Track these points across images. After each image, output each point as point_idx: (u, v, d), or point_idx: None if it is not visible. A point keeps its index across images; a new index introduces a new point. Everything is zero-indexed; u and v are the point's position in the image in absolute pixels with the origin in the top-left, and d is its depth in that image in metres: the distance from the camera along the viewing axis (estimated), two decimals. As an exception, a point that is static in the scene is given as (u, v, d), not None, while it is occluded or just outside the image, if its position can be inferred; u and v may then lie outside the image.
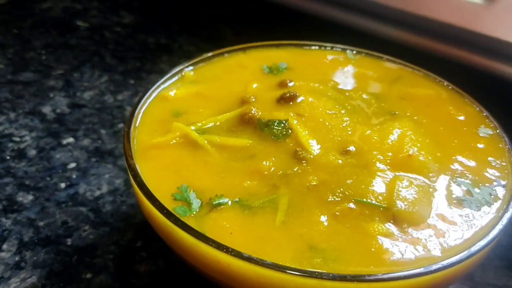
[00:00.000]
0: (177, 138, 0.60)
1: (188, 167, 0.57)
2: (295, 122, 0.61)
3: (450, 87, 0.72)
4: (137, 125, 0.62)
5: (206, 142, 0.59)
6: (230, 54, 0.77)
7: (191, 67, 0.73)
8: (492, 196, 0.55)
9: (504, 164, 0.59)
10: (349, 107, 0.66)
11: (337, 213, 0.52)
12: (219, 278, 0.49)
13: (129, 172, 0.55)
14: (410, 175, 0.56)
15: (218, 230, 0.50)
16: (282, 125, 0.61)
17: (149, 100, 0.66)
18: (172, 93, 0.68)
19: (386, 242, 0.49)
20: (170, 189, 0.54)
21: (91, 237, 0.72)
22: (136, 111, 0.63)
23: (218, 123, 0.63)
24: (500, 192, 0.56)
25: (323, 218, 0.51)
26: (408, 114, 0.66)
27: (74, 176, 0.81)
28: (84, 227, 0.73)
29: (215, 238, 0.47)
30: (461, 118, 0.67)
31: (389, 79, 0.74)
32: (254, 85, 0.70)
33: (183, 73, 0.72)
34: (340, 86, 0.72)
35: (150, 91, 0.67)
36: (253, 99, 0.66)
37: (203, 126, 0.62)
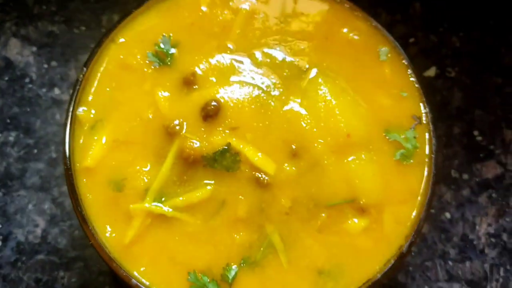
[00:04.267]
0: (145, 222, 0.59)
1: (177, 249, 0.59)
2: (241, 146, 0.61)
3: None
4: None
5: (175, 212, 0.59)
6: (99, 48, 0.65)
7: (84, 108, 0.62)
8: (415, 137, 0.65)
9: (416, 94, 0.66)
10: (264, 85, 0.65)
11: (320, 227, 0.61)
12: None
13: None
14: (354, 156, 0.63)
15: (247, 303, 0.58)
16: (228, 153, 0.61)
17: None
18: (90, 160, 0.61)
19: (366, 235, 0.61)
20: (179, 282, 0.58)
21: (73, 280, 0.74)
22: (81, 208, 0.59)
23: (165, 178, 0.61)
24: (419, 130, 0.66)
25: (313, 238, 0.61)
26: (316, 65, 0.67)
27: (-3, 225, 0.75)
28: (60, 274, 0.74)
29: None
30: (356, 37, 0.69)
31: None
32: (160, 94, 0.64)
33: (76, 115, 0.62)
34: (239, 57, 0.66)
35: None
36: (178, 127, 0.62)
37: (155, 191, 0.60)
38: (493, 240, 0.79)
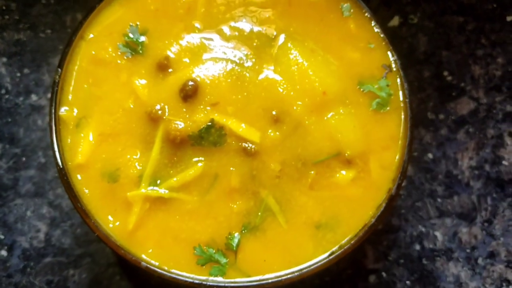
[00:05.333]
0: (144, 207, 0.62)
1: (180, 227, 0.62)
2: (224, 120, 0.63)
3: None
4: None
5: (171, 193, 0.62)
6: (70, 47, 0.66)
7: (65, 108, 0.64)
8: (388, 85, 0.68)
9: (382, 43, 0.69)
10: (237, 57, 0.67)
11: (311, 184, 0.64)
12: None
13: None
14: (333, 112, 0.66)
15: (254, 265, 0.61)
16: (213, 129, 0.63)
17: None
18: (81, 157, 0.62)
19: (356, 185, 0.64)
20: (187, 258, 0.61)
21: (83, 276, 0.76)
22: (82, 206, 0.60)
23: (156, 162, 0.63)
24: (391, 78, 0.68)
25: (306, 196, 0.64)
26: (283, 30, 0.68)
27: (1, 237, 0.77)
28: (69, 272, 0.76)
29: (255, 272, 0.60)
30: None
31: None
32: (138, 82, 0.65)
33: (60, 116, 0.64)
34: (207, 34, 0.68)
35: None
36: (161, 112, 0.64)
37: (148, 176, 0.62)
38: (476, 172, 0.83)
